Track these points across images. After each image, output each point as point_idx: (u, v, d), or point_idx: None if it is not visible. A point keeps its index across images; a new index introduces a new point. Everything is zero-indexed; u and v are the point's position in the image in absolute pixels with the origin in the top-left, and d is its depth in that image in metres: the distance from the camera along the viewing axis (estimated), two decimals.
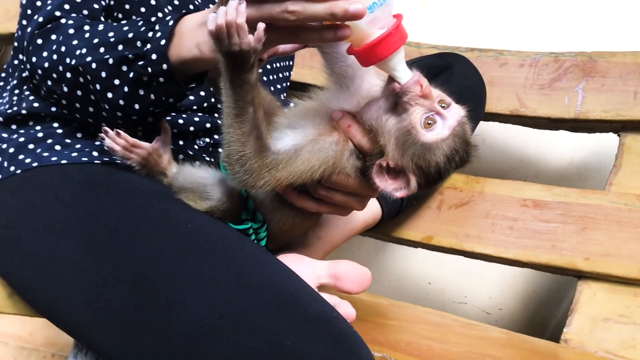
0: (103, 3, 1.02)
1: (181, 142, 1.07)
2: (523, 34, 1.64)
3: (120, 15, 1.05)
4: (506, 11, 1.66)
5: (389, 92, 0.78)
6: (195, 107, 1.10)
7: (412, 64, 1.34)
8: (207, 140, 1.10)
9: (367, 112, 0.81)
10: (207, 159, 1.07)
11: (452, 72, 1.30)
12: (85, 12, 0.99)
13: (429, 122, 0.77)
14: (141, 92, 0.88)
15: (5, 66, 1.15)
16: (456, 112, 0.78)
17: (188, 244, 0.78)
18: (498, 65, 1.46)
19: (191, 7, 1.09)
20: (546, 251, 1.24)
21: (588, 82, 1.36)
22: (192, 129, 1.07)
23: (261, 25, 0.70)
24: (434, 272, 1.70)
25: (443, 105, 0.79)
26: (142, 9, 1.03)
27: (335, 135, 0.81)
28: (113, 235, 0.81)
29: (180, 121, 1.06)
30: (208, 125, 1.09)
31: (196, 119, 1.08)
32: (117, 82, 0.87)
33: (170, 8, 1.07)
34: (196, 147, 1.08)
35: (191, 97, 1.06)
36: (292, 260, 0.90)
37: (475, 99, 1.33)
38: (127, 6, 1.04)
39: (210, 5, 1.12)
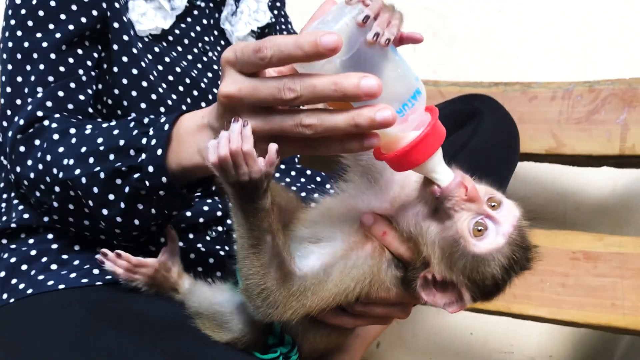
0: (90, 92, 0.92)
1: (191, 236, 0.96)
2: (549, 59, 1.51)
3: (109, 101, 0.94)
4: (526, 35, 1.54)
5: (427, 196, 0.66)
6: (202, 194, 0.99)
7: None
8: (220, 229, 0.99)
9: (403, 216, 0.69)
10: (222, 252, 0.96)
11: (481, 119, 1.18)
12: (70, 106, 0.89)
13: (479, 228, 0.65)
14: (140, 207, 0.77)
15: None
16: (510, 213, 0.66)
17: None
18: (527, 99, 1.34)
19: (195, 93, 0.99)
20: (605, 310, 1.12)
21: (630, 113, 1.24)
22: (202, 220, 0.97)
23: (273, 147, 0.59)
24: (475, 322, 1.58)
25: (493, 204, 0.67)
26: (143, 105, 0.92)
27: (368, 246, 0.69)
28: None
29: (188, 214, 0.96)
30: (219, 212, 0.98)
31: (205, 207, 0.97)
32: (111, 197, 0.77)
33: (174, 97, 0.96)
34: (208, 238, 0.97)
35: (201, 191, 0.95)
36: None
37: (508, 145, 1.21)
38: (116, 91, 0.94)
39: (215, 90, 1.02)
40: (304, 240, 0.71)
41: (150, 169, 0.73)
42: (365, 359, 1.62)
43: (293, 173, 1.14)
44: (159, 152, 0.72)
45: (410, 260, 0.69)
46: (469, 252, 0.64)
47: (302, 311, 0.66)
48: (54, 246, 0.89)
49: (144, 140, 0.75)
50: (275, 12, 1.26)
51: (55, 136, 0.82)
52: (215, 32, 1.12)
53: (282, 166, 1.15)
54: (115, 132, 0.78)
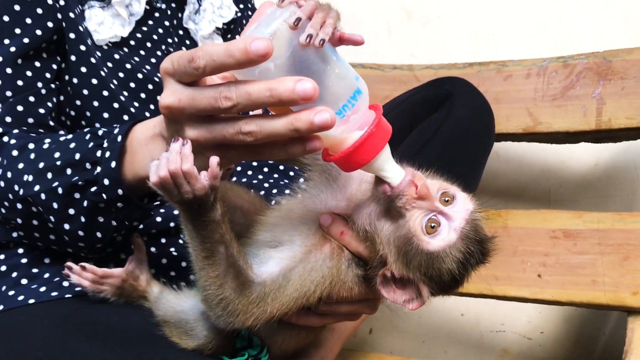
0: (50, 104, 0.91)
1: (163, 241, 0.96)
2: (524, 33, 1.49)
3: (72, 112, 0.93)
4: (502, 13, 1.51)
5: (380, 195, 0.65)
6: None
7: (408, 97, 1.24)
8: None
9: (359, 215, 0.68)
10: None
11: (453, 103, 1.16)
12: (30, 120, 0.88)
13: (432, 225, 0.64)
14: (100, 220, 0.77)
15: None
16: (463, 208, 0.66)
17: None
18: (502, 78, 1.32)
19: (150, 86, 0.98)
20: (587, 287, 1.12)
21: (605, 87, 1.22)
22: (172, 224, 0.96)
23: (214, 161, 0.58)
24: (465, 303, 1.57)
25: (447, 199, 0.66)
26: (105, 115, 0.91)
27: (327, 247, 0.69)
28: None
29: (159, 219, 0.96)
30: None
31: (175, 211, 0.97)
32: (72, 211, 0.76)
33: (136, 104, 0.95)
34: (180, 242, 0.97)
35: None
36: None
37: (483, 127, 1.19)
38: (77, 102, 0.93)
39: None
40: (264, 245, 0.70)
41: (106, 181, 0.73)
42: (358, 345, 1.63)
43: (266, 169, 1.13)
44: (113, 164, 0.72)
45: (369, 258, 0.69)
46: (422, 250, 0.64)
47: (264, 317, 0.66)
48: (24, 260, 0.89)
49: (98, 153, 0.74)
50: (242, 5, 1.24)
51: (15, 152, 0.82)
52: (180, 32, 1.10)
53: (255, 163, 1.14)
54: (72, 145, 0.78)
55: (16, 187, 0.79)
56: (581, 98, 1.24)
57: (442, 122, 1.12)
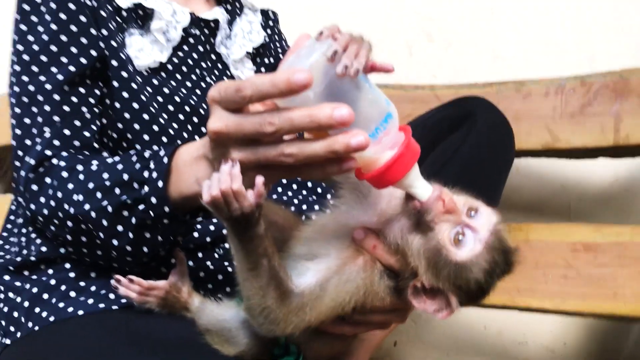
0: (94, 127, 0.97)
1: (200, 255, 1.01)
2: (543, 54, 1.54)
3: (114, 135, 1.00)
4: (521, 34, 1.56)
5: (410, 210, 0.70)
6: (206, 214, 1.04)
7: (430, 116, 1.29)
8: (227, 246, 1.03)
9: (390, 229, 0.73)
10: (229, 268, 1.01)
11: (474, 121, 1.21)
12: (76, 143, 0.94)
13: (459, 237, 0.69)
14: (147, 236, 0.82)
15: (13, 200, 1.11)
16: (487, 221, 0.70)
17: None
18: (521, 97, 1.37)
19: (195, 119, 1.04)
20: (608, 299, 1.15)
21: (622, 104, 1.26)
22: (208, 239, 1.01)
23: (259, 181, 0.63)
24: (488, 316, 1.61)
25: (472, 213, 0.71)
26: (146, 137, 0.97)
27: (360, 260, 0.73)
28: None
29: (196, 234, 1.00)
30: (225, 231, 1.03)
31: (212, 227, 1.02)
32: (120, 228, 0.82)
33: (175, 125, 1.01)
34: (216, 256, 1.02)
35: (202, 216, 1.00)
36: None
37: (502, 142, 1.24)
38: (120, 125, 0.99)
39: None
40: (301, 258, 0.75)
41: (154, 200, 0.78)
42: (383, 357, 1.66)
43: (295, 186, 1.18)
44: (160, 184, 0.77)
45: (400, 270, 0.73)
46: (451, 260, 0.69)
47: (302, 325, 0.71)
48: (72, 274, 0.94)
49: (145, 174, 0.80)
50: (269, 30, 1.30)
51: (64, 174, 0.88)
52: (212, 57, 1.17)
53: (284, 180, 1.19)
54: (120, 167, 0.83)
55: (66, 206, 0.85)
56: (599, 115, 1.28)
57: (464, 140, 1.17)
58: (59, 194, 0.86)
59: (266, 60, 1.28)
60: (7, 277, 0.98)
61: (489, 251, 0.69)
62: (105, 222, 0.82)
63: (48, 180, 0.89)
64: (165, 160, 0.78)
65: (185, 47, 1.12)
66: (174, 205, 0.79)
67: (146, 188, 0.78)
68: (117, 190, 0.81)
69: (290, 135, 0.65)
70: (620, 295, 1.13)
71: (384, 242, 0.73)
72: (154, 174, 0.78)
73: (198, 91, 1.10)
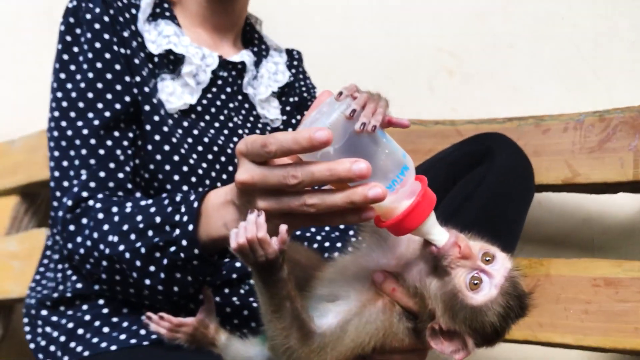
0: (128, 169, 1.02)
1: (227, 291, 1.05)
2: (562, 88, 1.56)
3: (146, 175, 1.04)
4: (540, 69, 1.59)
5: (427, 255, 0.73)
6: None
7: (450, 153, 1.32)
8: (252, 281, 1.07)
9: (409, 273, 0.76)
10: (254, 304, 1.04)
11: (494, 157, 1.23)
12: (111, 184, 0.99)
13: (475, 282, 0.72)
14: (178, 276, 0.86)
15: (49, 236, 1.17)
16: (502, 267, 0.73)
17: None
18: (540, 132, 1.39)
19: (223, 159, 1.08)
20: (630, 335, 1.15)
21: None
22: (235, 275, 1.05)
23: (283, 228, 0.67)
24: (513, 351, 1.60)
25: (487, 258, 0.73)
26: (176, 177, 1.02)
27: (380, 302, 0.76)
28: None
29: (223, 272, 1.04)
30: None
31: (238, 264, 1.06)
32: (152, 268, 0.86)
33: (204, 165, 1.06)
34: (242, 292, 1.06)
35: (229, 258, 1.04)
36: None
37: (522, 180, 1.26)
38: (151, 166, 1.04)
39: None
40: (322, 299, 0.79)
41: (184, 242, 0.83)
42: None
43: None
44: (190, 227, 0.82)
45: (418, 312, 0.76)
46: (467, 304, 0.71)
47: None
48: (105, 311, 0.99)
49: (177, 217, 0.84)
50: (294, 70, 1.35)
51: (100, 215, 0.93)
52: (239, 97, 1.22)
53: None
54: (152, 209, 0.88)
55: (102, 246, 0.90)
56: (618, 150, 1.29)
57: (484, 176, 1.19)
58: (95, 235, 0.91)
59: (291, 99, 1.33)
60: (44, 312, 1.03)
61: (504, 296, 0.72)
62: (138, 263, 0.86)
63: (84, 221, 0.94)
64: (195, 204, 0.83)
65: (214, 89, 1.17)
66: (202, 246, 0.83)
67: (177, 231, 0.83)
68: (150, 233, 0.86)
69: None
70: None
71: (403, 285, 0.76)
72: (185, 218, 0.83)
73: (226, 131, 1.15)
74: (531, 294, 0.76)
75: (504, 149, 1.27)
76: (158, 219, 0.85)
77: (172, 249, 0.83)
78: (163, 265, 0.85)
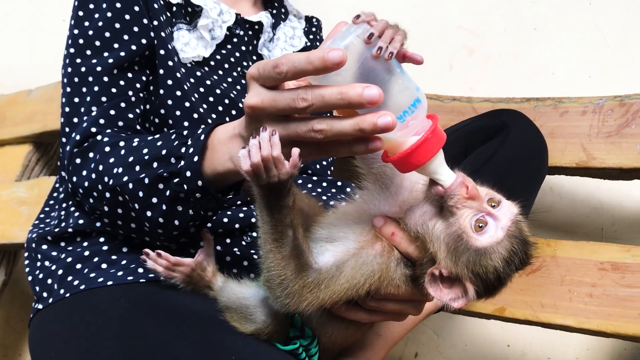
0: (138, 111, 1.02)
1: (228, 240, 1.04)
2: (583, 73, 1.53)
3: (156, 120, 1.04)
4: (564, 53, 1.56)
5: (432, 196, 0.72)
6: (239, 202, 1.07)
7: (464, 125, 1.30)
8: (254, 234, 1.07)
9: (411, 217, 0.74)
10: (255, 256, 1.04)
11: (508, 133, 1.22)
12: (120, 123, 0.99)
13: (480, 224, 0.70)
14: (179, 209, 0.86)
15: (57, 178, 1.17)
16: (508, 210, 0.72)
17: None
18: (558, 114, 1.36)
19: (234, 112, 1.08)
20: (633, 320, 1.13)
21: None
22: (237, 225, 1.05)
23: (295, 151, 0.67)
24: (512, 334, 1.59)
25: (493, 204, 0.72)
26: (186, 123, 1.02)
27: (378, 245, 0.75)
28: None
29: (225, 220, 1.04)
30: (253, 219, 1.06)
31: (241, 214, 1.06)
32: (154, 200, 0.86)
33: (214, 116, 1.06)
34: (243, 243, 1.05)
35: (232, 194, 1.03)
36: None
37: (535, 158, 1.24)
38: (162, 110, 1.04)
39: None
40: (320, 240, 0.78)
41: (188, 174, 0.82)
42: None
43: (325, 184, 1.21)
44: (195, 159, 0.81)
45: (417, 258, 0.75)
46: (471, 245, 0.70)
47: (316, 303, 0.73)
48: (105, 248, 0.99)
49: (182, 150, 0.83)
50: (311, 36, 1.34)
51: (107, 148, 0.93)
52: (254, 57, 1.21)
53: (315, 177, 1.22)
54: (159, 143, 0.88)
55: (106, 179, 0.90)
56: (636, 136, 1.26)
57: (496, 149, 1.18)
58: (100, 167, 0.91)
59: None
60: (44, 247, 1.04)
61: (510, 239, 0.70)
62: (141, 193, 0.86)
63: (91, 154, 0.94)
64: (202, 137, 0.82)
65: (229, 46, 1.17)
66: (207, 181, 0.82)
67: (182, 162, 0.82)
68: (155, 164, 0.85)
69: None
70: None
71: (404, 229, 0.75)
72: (191, 150, 0.82)
73: (238, 87, 1.15)
74: (536, 242, 0.74)
75: (519, 126, 1.25)
76: (164, 151, 0.85)
77: (176, 180, 0.83)
78: (165, 197, 0.84)
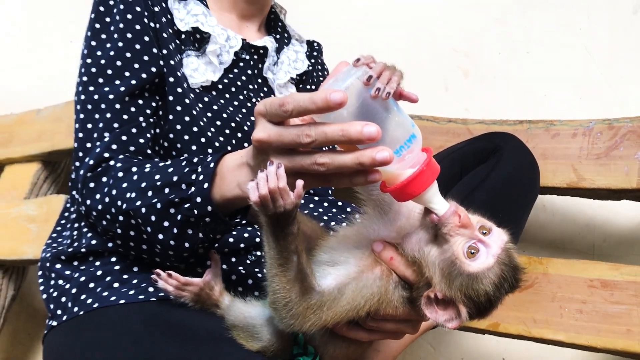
0: (148, 135, 1.07)
1: (233, 260, 1.09)
2: (574, 95, 1.59)
3: (165, 144, 1.09)
4: (555, 76, 1.62)
5: (427, 224, 0.77)
6: (244, 222, 1.12)
7: (459, 148, 1.35)
8: (258, 253, 1.11)
9: (408, 242, 0.80)
10: (259, 274, 1.08)
11: (501, 155, 1.27)
12: (132, 148, 1.04)
13: (472, 251, 0.75)
14: (190, 232, 0.90)
15: (67, 198, 1.22)
16: (499, 238, 0.77)
17: None
18: (550, 136, 1.42)
19: (239, 135, 1.13)
20: (622, 336, 1.18)
21: None
22: (242, 245, 1.09)
23: (300, 183, 0.71)
24: (507, 348, 1.64)
25: (484, 231, 0.77)
26: (194, 147, 1.07)
27: (377, 269, 0.80)
28: None
29: (231, 240, 1.09)
30: (258, 239, 1.11)
31: (246, 234, 1.10)
32: (166, 224, 0.91)
33: (221, 139, 1.10)
34: (248, 262, 1.10)
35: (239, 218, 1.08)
36: None
37: (528, 178, 1.29)
38: (171, 135, 1.08)
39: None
40: (323, 264, 0.83)
41: (198, 199, 0.87)
42: None
43: (326, 204, 1.26)
44: (205, 185, 0.86)
45: (414, 282, 0.80)
46: (464, 271, 0.75)
47: (319, 324, 0.78)
48: (117, 267, 1.04)
49: (193, 177, 0.88)
50: (312, 60, 1.40)
51: (120, 174, 0.97)
52: (259, 81, 1.27)
53: (316, 197, 1.27)
54: (170, 169, 0.93)
55: (119, 203, 0.95)
56: (624, 158, 1.32)
57: (490, 172, 1.23)
58: (114, 192, 0.96)
59: (308, 87, 1.37)
60: (58, 266, 1.08)
61: (500, 265, 0.75)
62: (153, 218, 0.90)
63: (104, 179, 0.99)
64: (212, 165, 0.87)
65: (236, 70, 1.22)
66: (216, 206, 0.87)
67: (193, 189, 0.87)
68: (167, 190, 0.90)
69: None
70: (634, 332, 1.16)
71: (402, 254, 0.80)
72: (201, 177, 0.87)
73: (244, 110, 1.20)
74: (524, 268, 0.79)
75: (512, 149, 1.30)
76: (175, 178, 0.90)
77: (187, 205, 0.88)
78: (177, 221, 0.89)
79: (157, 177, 0.92)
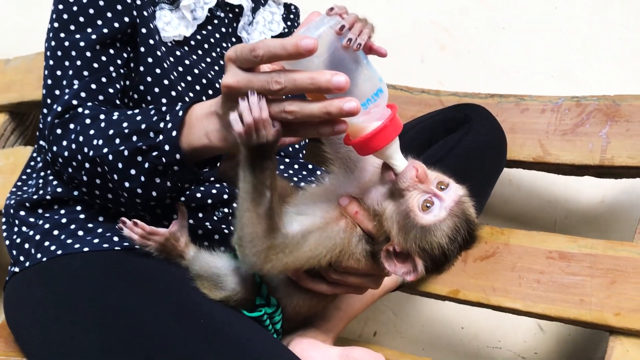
0: (118, 86, 1.06)
1: (200, 215, 1.09)
2: (546, 73, 1.62)
3: (135, 96, 1.08)
4: (529, 53, 1.64)
5: (386, 179, 0.78)
6: (212, 179, 1.12)
7: (430, 117, 1.37)
8: (226, 210, 1.12)
9: (369, 197, 0.81)
10: (226, 230, 1.09)
11: (470, 126, 1.29)
12: (100, 97, 1.03)
13: (427, 204, 0.77)
14: (157, 181, 0.90)
15: (34, 148, 1.21)
16: (454, 193, 0.79)
17: (209, 342, 0.81)
18: (519, 111, 1.44)
19: (210, 92, 1.13)
20: (574, 305, 1.21)
21: (612, 127, 1.33)
22: (210, 201, 1.10)
23: (277, 122, 0.72)
24: (466, 317, 1.68)
25: (442, 187, 0.79)
26: (163, 100, 1.06)
27: (342, 222, 0.82)
28: (134, 333, 0.83)
29: (198, 195, 1.09)
30: (226, 196, 1.11)
31: (214, 190, 1.11)
32: (133, 172, 0.90)
33: (191, 94, 1.10)
34: (215, 218, 1.10)
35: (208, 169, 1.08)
36: (306, 347, 0.91)
37: (495, 150, 1.32)
38: (141, 87, 1.08)
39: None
40: (291, 214, 0.84)
41: (166, 147, 0.87)
42: (362, 345, 1.73)
43: (296, 166, 1.27)
44: (174, 133, 0.86)
45: (376, 235, 0.81)
46: (417, 223, 0.77)
47: (279, 266, 0.79)
48: (82, 216, 1.03)
49: (161, 124, 0.88)
50: (289, 23, 1.39)
51: (87, 121, 0.97)
52: (233, 39, 1.26)
53: (287, 160, 1.28)
54: (138, 117, 0.92)
55: (86, 149, 0.94)
56: (589, 135, 1.35)
57: (459, 141, 1.25)
58: (81, 138, 0.95)
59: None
60: (22, 213, 1.07)
61: (453, 218, 0.77)
62: (120, 165, 0.90)
63: (72, 125, 0.98)
64: (181, 113, 0.87)
65: (209, 27, 1.21)
66: (183, 155, 0.87)
67: (161, 136, 0.87)
68: (134, 138, 0.90)
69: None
70: (586, 302, 1.20)
71: (365, 208, 0.81)
72: (169, 125, 0.87)
73: (216, 67, 1.19)
74: (480, 224, 0.81)
75: (482, 120, 1.33)
76: (143, 126, 0.89)
77: (155, 153, 0.87)
78: (144, 169, 0.89)
79: (125, 124, 0.91)
